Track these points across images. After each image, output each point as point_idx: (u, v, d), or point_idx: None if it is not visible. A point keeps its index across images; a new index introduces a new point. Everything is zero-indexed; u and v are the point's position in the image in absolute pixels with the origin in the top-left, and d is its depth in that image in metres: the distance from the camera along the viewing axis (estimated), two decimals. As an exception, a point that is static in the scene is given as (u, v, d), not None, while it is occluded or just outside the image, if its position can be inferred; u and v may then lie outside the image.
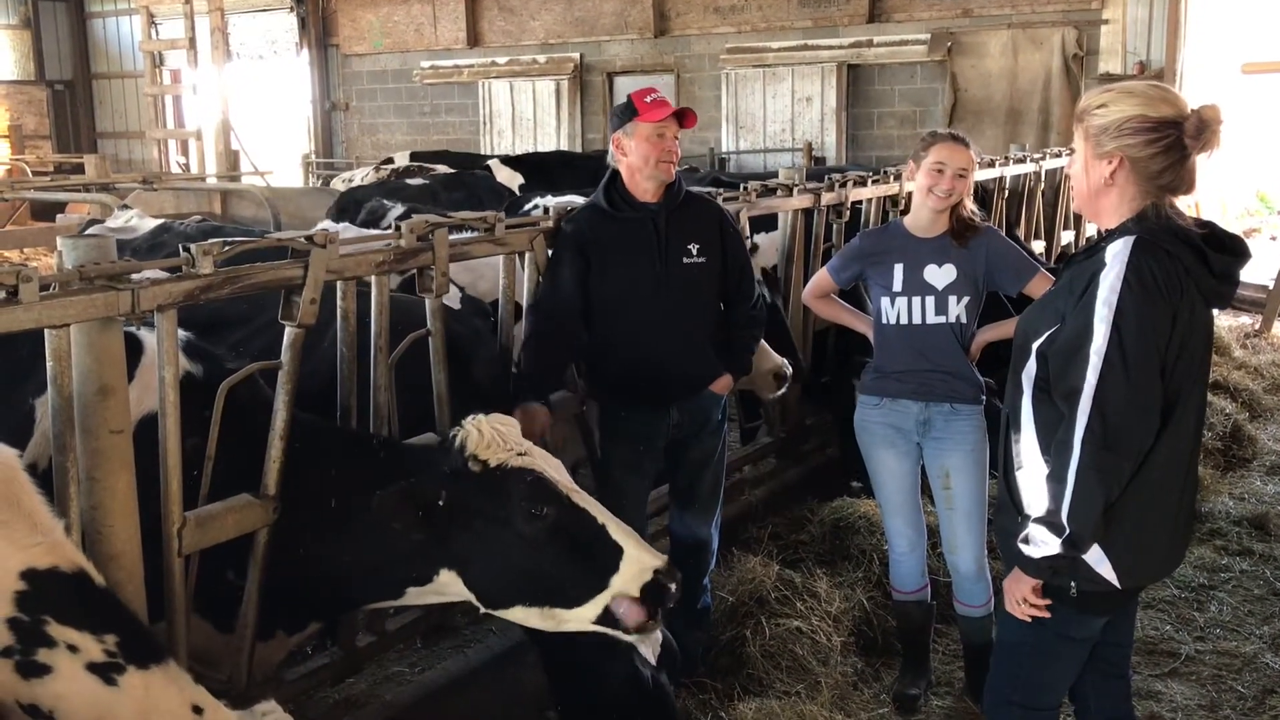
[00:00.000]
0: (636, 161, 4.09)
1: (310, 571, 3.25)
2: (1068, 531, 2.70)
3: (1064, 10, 14.47)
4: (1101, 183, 2.79)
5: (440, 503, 3.02)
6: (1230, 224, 12.74)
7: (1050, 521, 2.72)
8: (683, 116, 4.09)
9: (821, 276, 4.56)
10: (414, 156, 12.56)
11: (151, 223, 6.15)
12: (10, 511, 2.47)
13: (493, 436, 3.10)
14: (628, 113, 4.07)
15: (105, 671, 2.49)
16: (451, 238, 3.89)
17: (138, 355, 3.14)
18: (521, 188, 9.90)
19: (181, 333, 3.24)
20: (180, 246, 3.06)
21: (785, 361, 5.00)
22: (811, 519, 5.39)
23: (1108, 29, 14.17)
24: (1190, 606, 5.14)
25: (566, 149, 17.10)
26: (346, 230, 5.11)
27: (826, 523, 5.35)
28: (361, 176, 11.41)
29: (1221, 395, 7.64)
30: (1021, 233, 8.41)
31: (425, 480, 3.07)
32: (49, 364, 2.72)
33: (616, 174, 4.19)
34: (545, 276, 4.27)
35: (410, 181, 9.47)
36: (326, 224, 6.18)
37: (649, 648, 3.59)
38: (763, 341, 4.87)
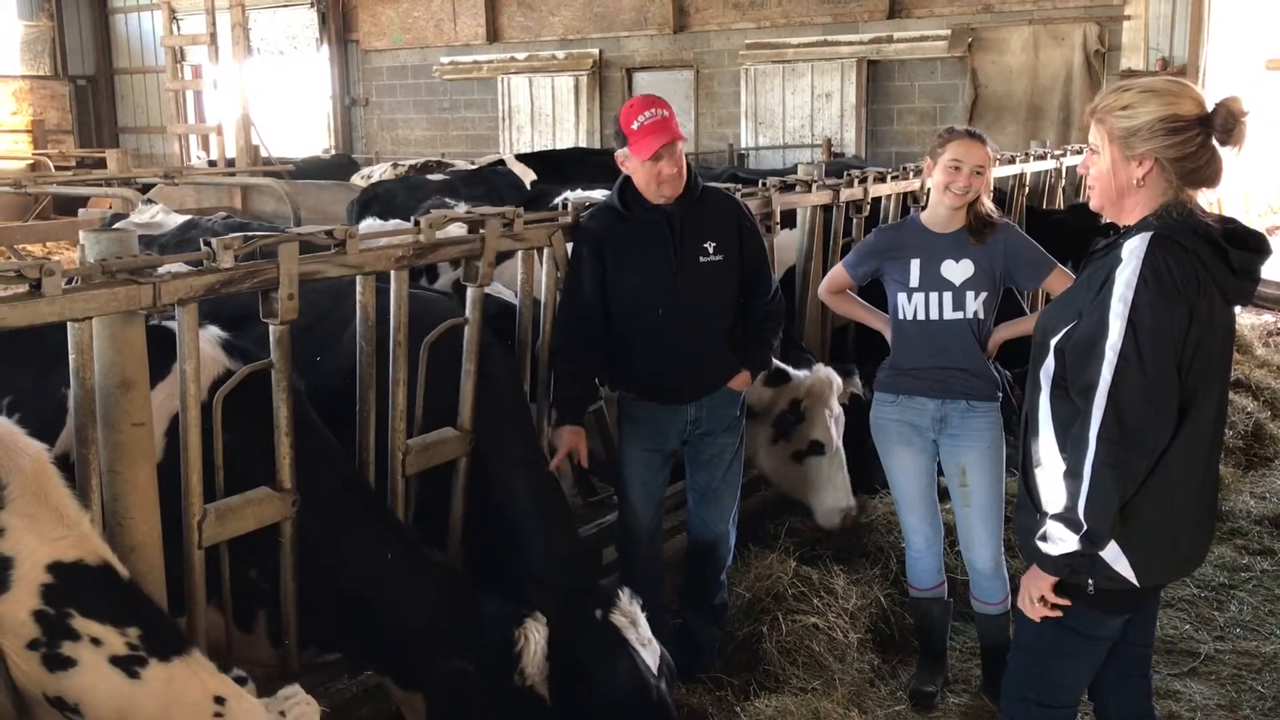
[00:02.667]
0: (641, 183, 4.09)
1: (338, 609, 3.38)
2: (1084, 528, 2.69)
3: (1086, 6, 14.39)
4: (1132, 183, 2.77)
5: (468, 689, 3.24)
6: (1253, 220, 12.64)
7: (1067, 518, 2.72)
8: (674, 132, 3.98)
9: (837, 272, 4.54)
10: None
11: (177, 219, 6.18)
12: (38, 504, 2.50)
13: (544, 654, 3.33)
14: (620, 137, 4.06)
15: (128, 665, 2.51)
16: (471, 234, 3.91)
17: (173, 351, 3.16)
18: (534, 184, 9.92)
19: (219, 331, 3.32)
20: (201, 241, 3.08)
21: (854, 504, 5.05)
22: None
23: (1130, 25, 14.08)
24: (1210, 606, 5.11)
25: (585, 145, 17.12)
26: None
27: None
28: (380, 173, 11.43)
29: (1243, 394, 7.58)
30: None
31: (472, 672, 3.27)
32: (71, 357, 2.74)
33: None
34: (564, 287, 4.28)
35: (431, 177, 9.49)
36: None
37: (651, 656, 3.61)
38: (842, 475, 4.96)
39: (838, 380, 5.07)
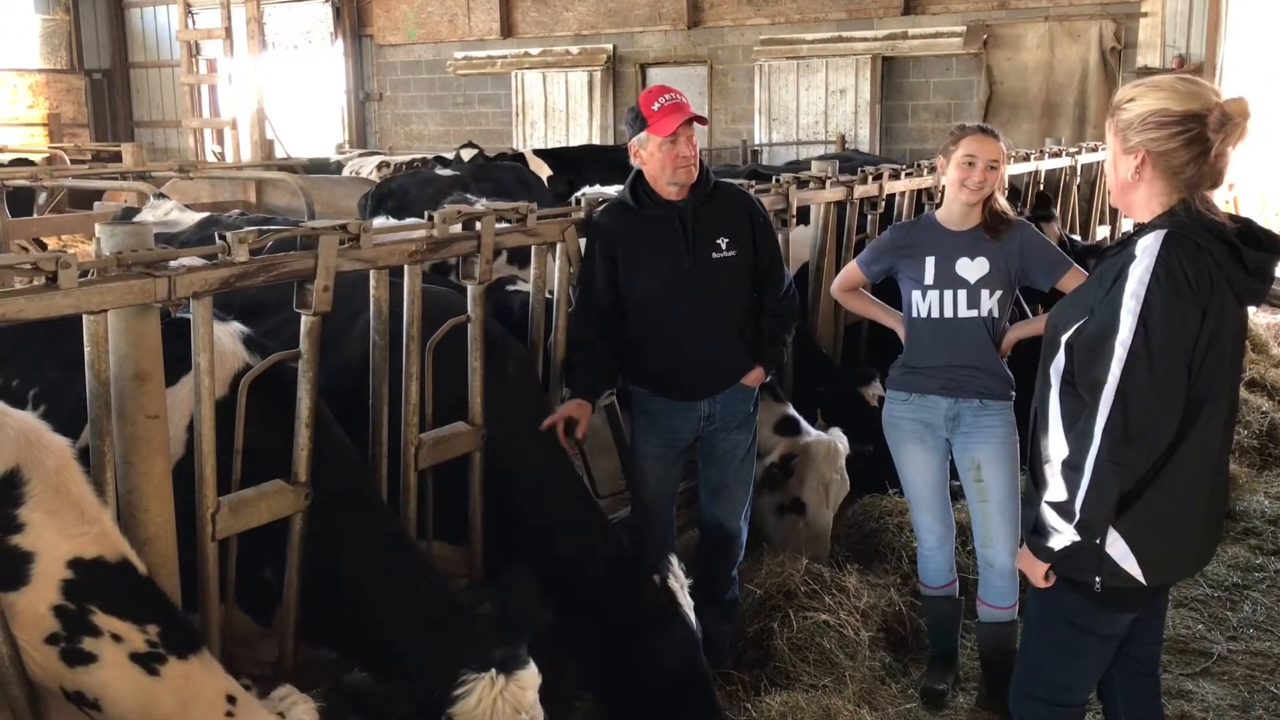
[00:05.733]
0: (654, 170, 4.09)
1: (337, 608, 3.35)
2: (1077, 518, 2.71)
3: (1102, 2, 14.32)
4: (1129, 177, 2.78)
5: None
6: (1269, 219, 12.57)
7: (1063, 508, 2.73)
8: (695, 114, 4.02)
9: (851, 270, 4.53)
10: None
11: (193, 215, 6.19)
12: (59, 500, 2.52)
13: (487, 713, 3.00)
14: (639, 122, 4.05)
15: (148, 661, 2.54)
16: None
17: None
18: (549, 179, 9.93)
19: (240, 326, 3.33)
20: (216, 234, 3.09)
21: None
22: (842, 514, 5.37)
23: (1146, 22, 14.01)
24: (1223, 606, 5.09)
25: (598, 141, 17.11)
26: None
27: (857, 518, 5.34)
28: (368, 171, 11.19)
29: (1259, 393, 7.54)
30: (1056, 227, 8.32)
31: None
32: (86, 349, 2.75)
33: (642, 170, 4.18)
34: (578, 282, 4.28)
35: (441, 172, 9.47)
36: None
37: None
38: (820, 543, 4.91)
39: (843, 447, 5.02)
